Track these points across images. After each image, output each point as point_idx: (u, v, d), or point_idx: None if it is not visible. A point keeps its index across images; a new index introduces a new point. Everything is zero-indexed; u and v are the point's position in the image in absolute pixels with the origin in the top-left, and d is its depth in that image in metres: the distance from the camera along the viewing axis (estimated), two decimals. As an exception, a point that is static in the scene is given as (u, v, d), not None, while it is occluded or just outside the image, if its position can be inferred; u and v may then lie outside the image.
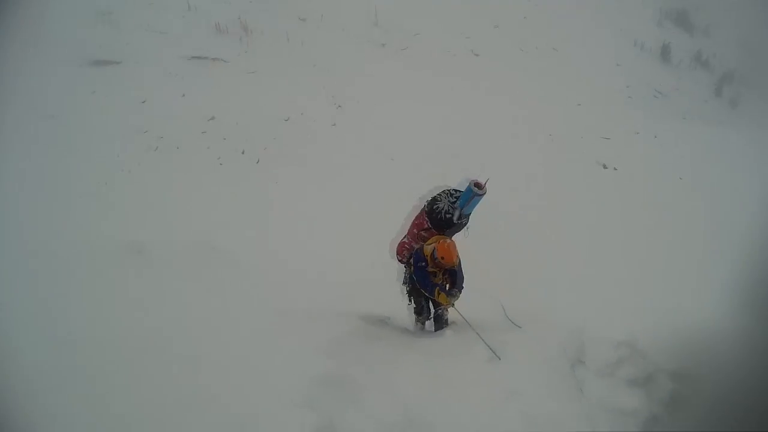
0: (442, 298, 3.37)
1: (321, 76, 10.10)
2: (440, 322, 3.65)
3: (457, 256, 3.19)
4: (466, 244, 4.50)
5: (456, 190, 3.43)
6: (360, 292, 3.90)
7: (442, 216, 3.31)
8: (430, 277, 3.35)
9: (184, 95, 7.75)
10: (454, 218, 3.32)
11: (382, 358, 2.86)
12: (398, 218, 4.64)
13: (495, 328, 3.28)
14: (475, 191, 3.17)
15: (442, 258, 3.13)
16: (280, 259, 4.87)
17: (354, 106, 10.02)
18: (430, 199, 3.47)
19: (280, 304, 3.44)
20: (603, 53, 14.59)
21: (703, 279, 4.72)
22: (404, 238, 3.66)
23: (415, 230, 3.55)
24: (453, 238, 3.43)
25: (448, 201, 3.34)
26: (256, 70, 9.06)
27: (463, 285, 3.44)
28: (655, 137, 10.81)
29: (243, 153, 7.24)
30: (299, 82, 9.60)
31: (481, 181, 3.18)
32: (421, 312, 3.77)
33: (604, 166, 9.14)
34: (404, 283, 3.89)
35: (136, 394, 2.04)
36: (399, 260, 3.80)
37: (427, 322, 3.85)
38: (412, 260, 3.46)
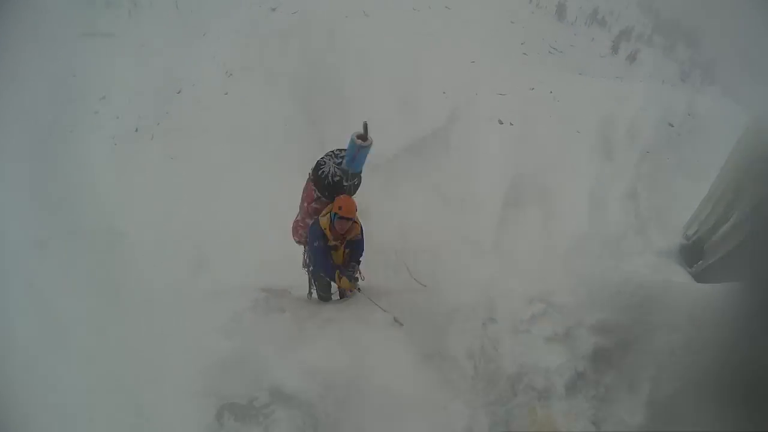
0: (344, 283, 3.08)
1: (211, 44, 10.11)
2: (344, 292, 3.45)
3: (356, 210, 2.86)
4: (368, 209, 4.37)
5: (340, 150, 3.09)
6: (262, 267, 3.76)
7: (330, 180, 2.97)
8: (330, 257, 3.02)
9: (74, 75, 8.11)
10: (345, 180, 2.98)
11: (287, 331, 2.72)
12: (296, 187, 4.32)
13: (401, 290, 3.22)
14: (359, 144, 2.82)
15: (340, 208, 2.75)
16: (181, 240, 4.84)
17: (246, 73, 10.05)
18: (314, 165, 3.10)
19: (183, 288, 3.34)
20: (497, 12, 14.32)
21: (612, 235, 4.79)
22: (297, 216, 3.37)
23: (305, 204, 3.22)
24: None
25: (334, 163, 3.02)
26: (146, 42, 9.26)
27: (362, 257, 3.19)
28: (551, 92, 10.54)
29: (137, 131, 7.72)
30: (190, 52, 9.66)
31: (363, 130, 2.86)
32: (327, 298, 3.48)
33: (500, 122, 9.03)
34: (304, 266, 3.60)
35: (36, 392, 2.00)
36: (296, 241, 3.52)
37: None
38: (307, 239, 3.13)
